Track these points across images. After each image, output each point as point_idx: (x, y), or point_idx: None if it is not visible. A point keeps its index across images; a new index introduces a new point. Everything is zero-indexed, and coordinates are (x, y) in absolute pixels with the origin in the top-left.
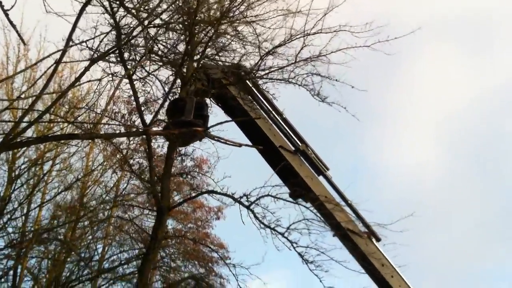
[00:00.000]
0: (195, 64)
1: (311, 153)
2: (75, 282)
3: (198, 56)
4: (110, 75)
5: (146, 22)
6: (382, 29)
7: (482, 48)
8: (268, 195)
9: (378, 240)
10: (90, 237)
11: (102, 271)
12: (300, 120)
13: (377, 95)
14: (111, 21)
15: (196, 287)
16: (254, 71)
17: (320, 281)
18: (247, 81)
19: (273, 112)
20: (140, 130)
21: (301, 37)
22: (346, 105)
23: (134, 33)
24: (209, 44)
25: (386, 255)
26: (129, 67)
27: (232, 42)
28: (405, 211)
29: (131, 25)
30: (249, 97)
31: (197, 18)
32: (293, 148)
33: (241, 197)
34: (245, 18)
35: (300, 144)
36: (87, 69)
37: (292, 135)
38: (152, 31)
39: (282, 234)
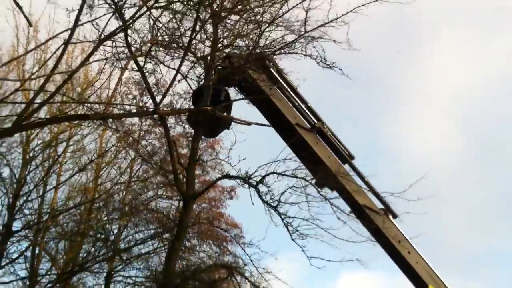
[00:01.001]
0: (217, 53)
1: (328, 131)
2: (92, 262)
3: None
4: (117, 55)
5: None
6: None
7: (496, 31)
8: (273, 172)
9: (395, 216)
10: (105, 218)
11: (118, 251)
12: (316, 100)
13: (393, 74)
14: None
15: (230, 277)
16: (273, 52)
17: (302, 250)
18: (269, 67)
19: (293, 94)
20: (150, 110)
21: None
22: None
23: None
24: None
25: (402, 231)
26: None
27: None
28: (419, 189)
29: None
30: (270, 82)
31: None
32: (309, 126)
33: (249, 177)
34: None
35: (316, 122)
36: (95, 48)
37: (310, 114)
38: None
39: (274, 208)
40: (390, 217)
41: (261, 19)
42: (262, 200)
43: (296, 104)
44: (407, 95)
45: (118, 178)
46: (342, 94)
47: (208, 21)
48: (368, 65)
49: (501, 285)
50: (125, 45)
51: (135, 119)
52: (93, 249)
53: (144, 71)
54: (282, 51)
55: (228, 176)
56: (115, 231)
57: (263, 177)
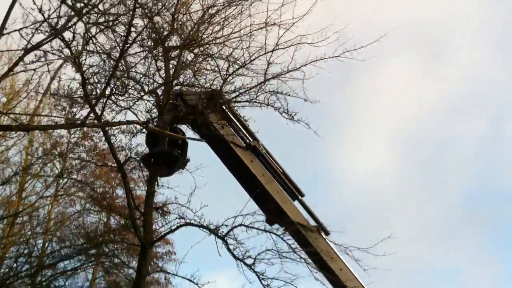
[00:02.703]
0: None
1: (263, 149)
2: (14, 278)
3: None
4: (47, 65)
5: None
6: (339, 36)
7: (436, 57)
8: (241, 225)
9: (327, 234)
10: (29, 232)
11: (43, 267)
12: (263, 134)
13: (337, 105)
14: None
15: None
16: (229, 96)
17: None
18: (223, 106)
19: (247, 134)
20: (77, 122)
21: (263, 55)
22: (306, 116)
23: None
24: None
25: (335, 249)
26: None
27: (203, 64)
28: (360, 213)
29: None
30: (225, 122)
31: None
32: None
33: (216, 229)
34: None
35: (251, 140)
36: (21, 58)
37: (246, 134)
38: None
39: (250, 266)
40: (323, 234)
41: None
42: (234, 256)
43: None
44: (350, 123)
45: (44, 191)
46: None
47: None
48: (314, 96)
49: None
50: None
51: (64, 132)
52: (15, 265)
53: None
54: (245, 99)
55: (191, 224)
56: (40, 246)
57: (231, 229)
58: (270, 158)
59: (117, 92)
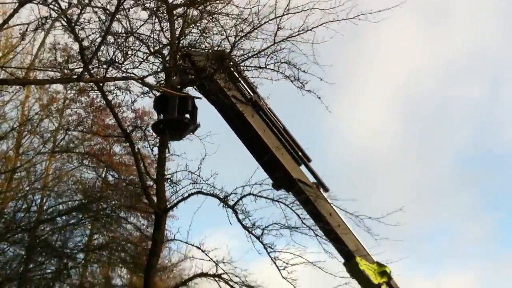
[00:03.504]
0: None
1: (263, 104)
2: (13, 232)
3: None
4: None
5: None
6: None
7: (437, 22)
8: (250, 194)
9: (327, 190)
10: (27, 188)
11: (41, 222)
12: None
13: (339, 65)
14: None
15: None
16: (238, 58)
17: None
18: (232, 69)
19: (250, 92)
20: (73, 77)
21: (273, 19)
22: (311, 77)
23: None
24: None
25: (333, 205)
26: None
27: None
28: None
29: None
30: (232, 84)
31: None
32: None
33: (225, 198)
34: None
35: (252, 95)
36: (15, 11)
37: (247, 88)
38: None
39: (258, 238)
40: (322, 191)
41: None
42: (243, 226)
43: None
44: (351, 84)
45: (41, 147)
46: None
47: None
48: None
49: (433, 259)
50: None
51: (60, 87)
52: (13, 219)
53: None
54: (254, 64)
55: (202, 193)
56: (38, 201)
57: (240, 199)
58: (272, 114)
59: (120, 52)
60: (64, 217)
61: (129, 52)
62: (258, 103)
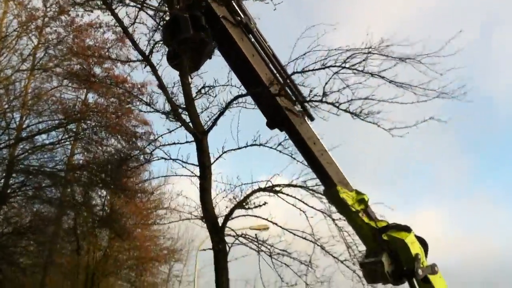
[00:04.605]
0: None
1: (253, 27)
2: None
3: None
4: None
5: None
6: None
7: None
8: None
9: (312, 119)
10: (6, 106)
11: (21, 139)
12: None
13: None
14: None
15: None
16: None
17: (378, 126)
18: None
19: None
20: None
21: None
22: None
23: None
24: None
25: (317, 134)
26: None
27: None
28: None
29: None
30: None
31: None
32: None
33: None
34: None
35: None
36: None
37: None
38: None
39: (321, 100)
40: (307, 119)
41: None
42: (301, 98)
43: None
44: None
45: (20, 65)
46: None
47: None
48: None
49: (409, 195)
50: None
51: (39, 4)
52: None
53: None
54: None
55: (241, 95)
56: (17, 120)
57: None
58: (261, 38)
59: None
60: (44, 136)
61: None
62: (249, 26)
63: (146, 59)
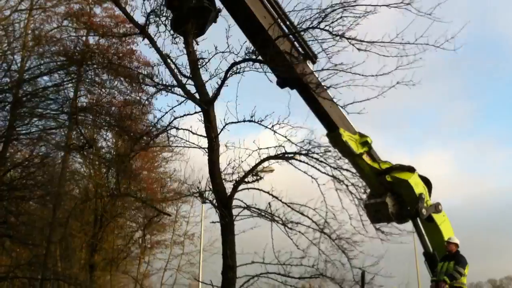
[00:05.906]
0: None
1: None
2: None
3: None
4: None
5: None
6: None
7: None
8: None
9: (314, 62)
10: (6, 47)
11: (23, 81)
12: None
13: None
14: None
15: None
16: None
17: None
18: None
19: None
20: None
21: None
22: None
23: None
24: None
25: (319, 78)
26: None
27: None
28: None
29: None
30: None
31: None
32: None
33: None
34: None
35: None
36: None
37: None
38: None
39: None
40: (309, 63)
41: None
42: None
43: None
44: None
45: (18, 5)
46: None
47: None
48: None
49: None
50: None
51: None
52: None
53: None
54: None
55: (248, 60)
56: (18, 61)
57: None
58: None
59: None
60: (46, 78)
61: None
62: None
63: (142, 31)
